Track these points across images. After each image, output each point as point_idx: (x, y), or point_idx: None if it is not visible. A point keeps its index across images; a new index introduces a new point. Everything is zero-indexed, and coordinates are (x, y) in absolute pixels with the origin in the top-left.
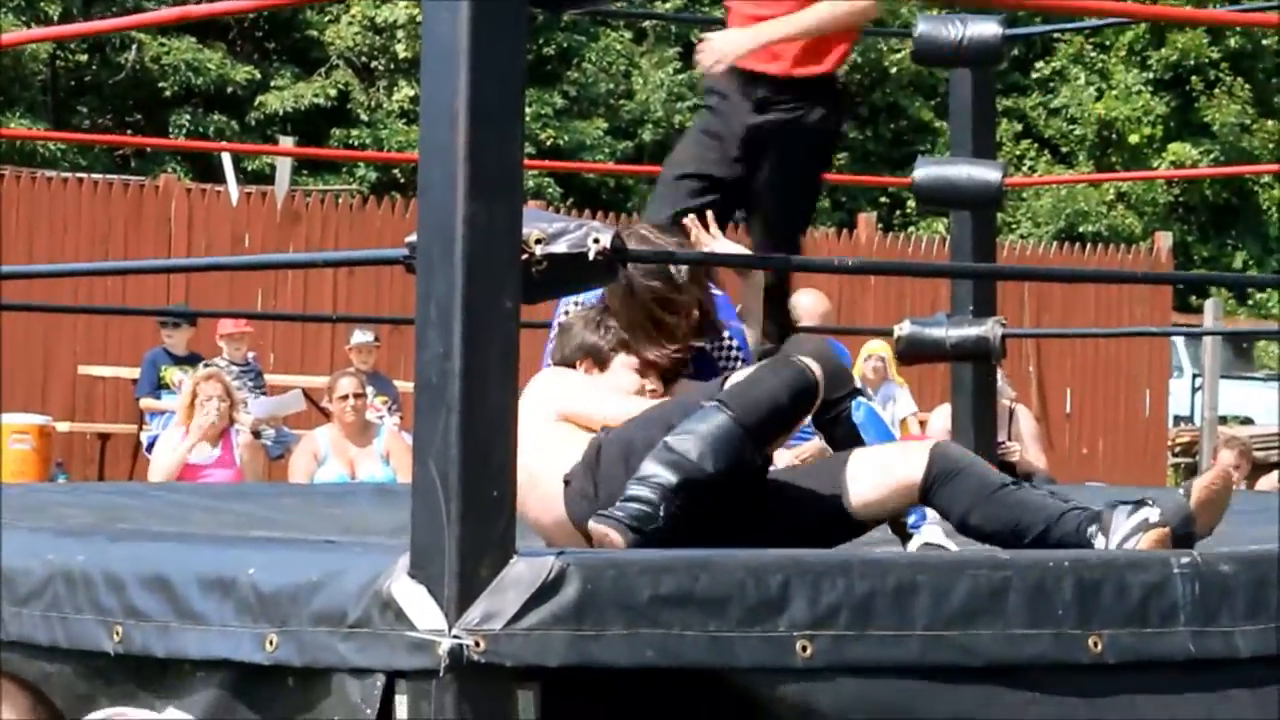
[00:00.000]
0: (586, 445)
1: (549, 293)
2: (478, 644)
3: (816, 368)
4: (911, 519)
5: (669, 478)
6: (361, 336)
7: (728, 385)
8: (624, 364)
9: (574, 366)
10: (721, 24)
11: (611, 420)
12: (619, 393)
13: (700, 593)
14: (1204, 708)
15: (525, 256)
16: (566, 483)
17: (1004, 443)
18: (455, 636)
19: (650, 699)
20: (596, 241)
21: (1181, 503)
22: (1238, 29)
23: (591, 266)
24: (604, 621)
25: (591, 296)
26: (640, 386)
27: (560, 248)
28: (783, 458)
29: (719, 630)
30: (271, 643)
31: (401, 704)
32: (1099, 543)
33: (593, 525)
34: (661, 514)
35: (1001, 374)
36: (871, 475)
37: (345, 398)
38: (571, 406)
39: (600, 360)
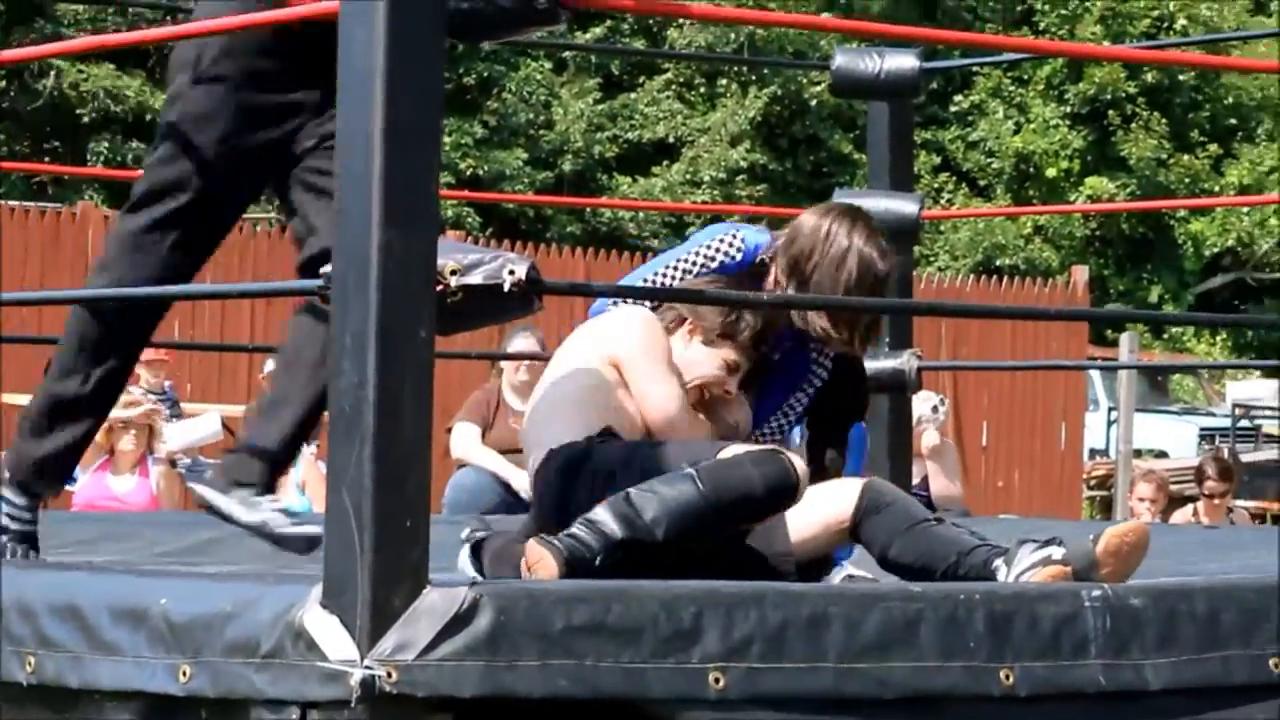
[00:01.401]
0: (596, 420)
1: (464, 324)
2: (390, 674)
3: (801, 467)
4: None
5: (615, 530)
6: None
7: (719, 456)
8: (717, 354)
9: (679, 322)
10: (641, 53)
11: (648, 399)
12: (677, 380)
13: (613, 623)
14: None
15: (440, 287)
16: (552, 453)
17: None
18: (368, 667)
19: None
20: (512, 273)
21: (1087, 547)
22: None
23: (507, 298)
24: (517, 651)
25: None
26: (720, 380)
27: (476, 279)
28: None
29: (632, 661)
30: (185, 673)
31: None
32: (1001, 574)
33: (532, 545)
34: (597, 564)
35: (939, 403)
36: (806, 514)
37: None
38: (629, 360)
39: (703, 335)
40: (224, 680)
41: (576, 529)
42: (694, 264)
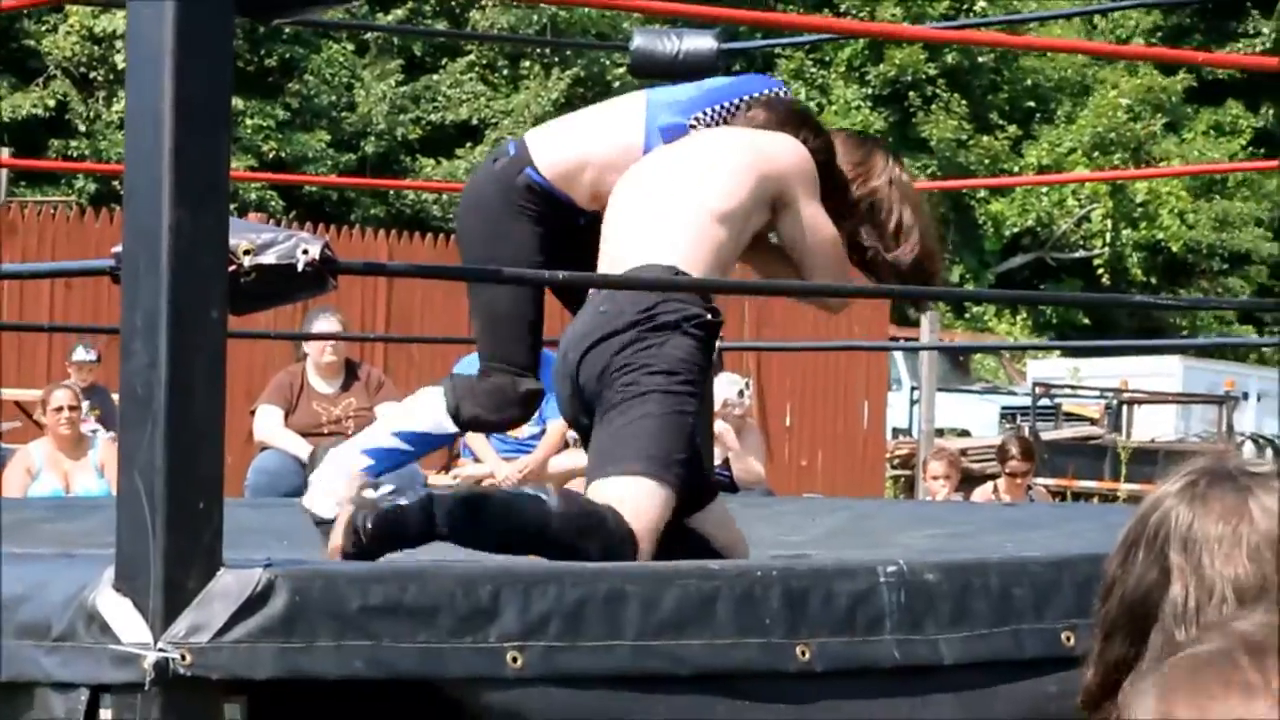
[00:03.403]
0: (705, 258)
1: (258, 304)
2: (184, 657)
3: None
4: None
5: (439, 528)
6: (83, 354)
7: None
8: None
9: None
10: (444, 35)
11: (821, 248)
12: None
13: (410, 603)
14: (908, 712)
15: (234, 268)
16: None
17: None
18: (161, 650)
19: (361, 710)
20: (306, 253)
21: None
22: (953, 45)
23: (300, 278)
24: (313, 633)
25: None
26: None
27: (269, 259)
28: (503, 469)
29: (429, 641)
30: None
31: (107, 718)
32: None
33: (344, 514)
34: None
35: (744, 387)
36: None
37: (60, 409)
38: (802, 198)
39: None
40: (13, 663)
41: (408, 500)
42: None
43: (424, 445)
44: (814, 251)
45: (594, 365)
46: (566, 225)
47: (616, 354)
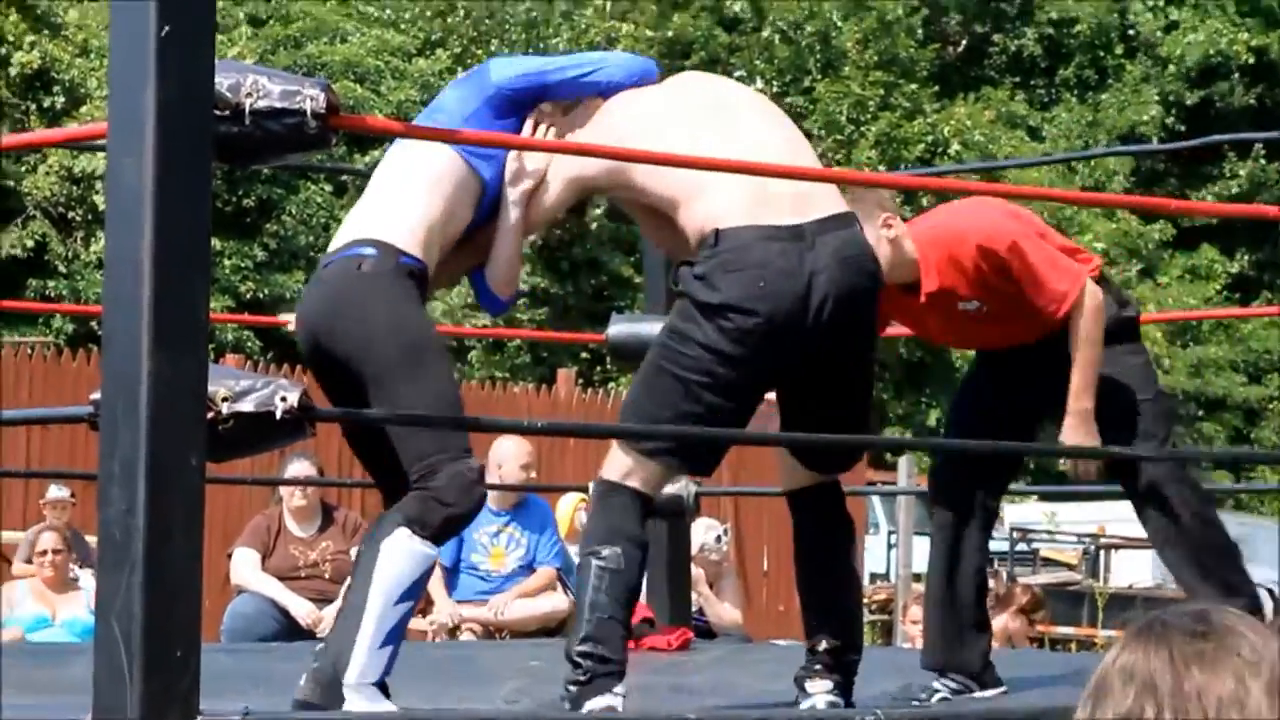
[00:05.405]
0: None
1: (235, 452)
2: None
3: None
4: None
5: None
6: (57, 492)
7: None
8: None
9: None
10: None
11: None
12: None
13: None
14: None
15: (212, 415)
16: None
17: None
18: None
19: None
20: (284, 400)
21: None
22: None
23: (279, 425)
24: None
25: None
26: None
27: (247, 406)
28: (453, 611)
29: None
30: None
31: None
32: None
33: None
34: None
35: (723, 532)
36: None
37: (44, 553)
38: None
39: None
40: None
41: None
42: None
43: (419, 591)
44: None
45: None
46: None
47: None
